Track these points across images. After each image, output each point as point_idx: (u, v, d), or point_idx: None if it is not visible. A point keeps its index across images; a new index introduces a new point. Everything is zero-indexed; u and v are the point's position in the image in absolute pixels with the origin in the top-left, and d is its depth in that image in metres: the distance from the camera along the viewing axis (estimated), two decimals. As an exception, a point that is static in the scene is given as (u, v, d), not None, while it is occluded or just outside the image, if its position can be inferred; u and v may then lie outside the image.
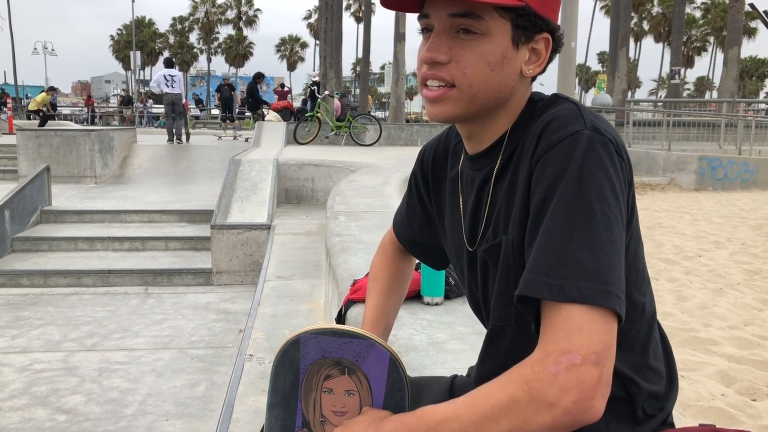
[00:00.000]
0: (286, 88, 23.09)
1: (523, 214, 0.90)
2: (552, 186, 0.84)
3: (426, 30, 0.97)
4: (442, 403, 0.87)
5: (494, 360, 1.06)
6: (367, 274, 2.54)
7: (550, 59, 0.99)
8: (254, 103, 16.13)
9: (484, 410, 0.80)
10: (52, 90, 21.66)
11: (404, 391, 1.00)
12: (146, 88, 62.67)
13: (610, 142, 0.86)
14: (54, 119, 22.61)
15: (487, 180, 1.01)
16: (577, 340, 0.76)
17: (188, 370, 4.23)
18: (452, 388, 1.23)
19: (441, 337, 2.02)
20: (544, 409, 0.76)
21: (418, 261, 1.40)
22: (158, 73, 13.68)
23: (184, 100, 14.09)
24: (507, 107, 0.99)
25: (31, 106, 20.08)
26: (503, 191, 0.97)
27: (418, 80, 1.00)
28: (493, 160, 1.01)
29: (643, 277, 0.98)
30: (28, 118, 20.15)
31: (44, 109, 19.95)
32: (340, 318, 2.33)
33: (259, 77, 16.18)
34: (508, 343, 1.02)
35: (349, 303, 2.36)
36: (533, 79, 1.01)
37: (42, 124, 18.73)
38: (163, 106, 15.24)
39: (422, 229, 1.27)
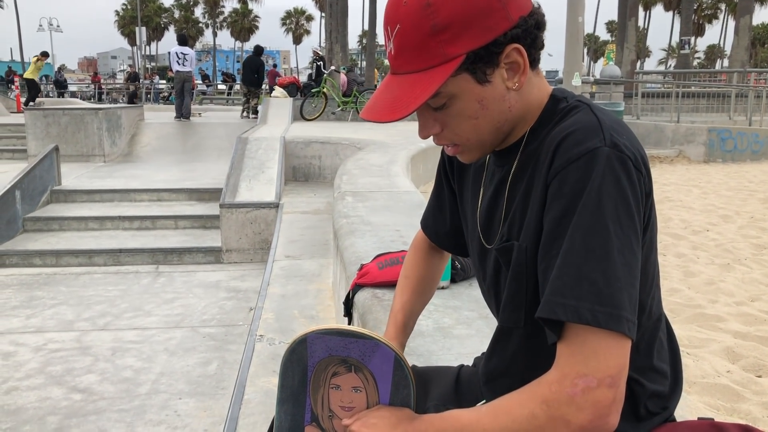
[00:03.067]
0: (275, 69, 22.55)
1: (537, 224, 0.92)
2: (569, 205, 0.85)
3: None
4: (467, 409, 0.95)
5: (501, 358, 1.09)
6: (375, 258, 2.58)
7: (537, 46, 0.94)
8: (259, 79, 15.25)
9: (507, 423, 0.86)
10: (45, 56, 18.49)
11: (409, 388, 1.04)
12: (152, 64, 62.44)
13: (629, 159, 0.86)
14: (41, 94, 20.02)
15: (505, 179, 1.02)
16: (593, 365, 0.81)
17: (200, 348, 4.29)
18: (458, 378, 1.25)
19: (447, 321, 2.05)
20: (562, 426, 0.82)
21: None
22: (171, 50, 13.49)
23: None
24: (523, 118, 0.99)
25: (30, 73, 17.56)
26: (519, 194, 0.98)
27: None
28: (512, 158, 1.02)
29: (652, 281, 0.99)
30: (29, 92, 17.46)
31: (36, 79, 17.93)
32: (348, 302, 2.36)
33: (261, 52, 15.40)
34: (515, 344, 1.05)
35: (357, 287, 2.39)
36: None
37: (31, 98, 17.15)
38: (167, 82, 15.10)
39: (453, 215, 1.26)
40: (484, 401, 1.14)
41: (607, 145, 0.86)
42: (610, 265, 0.82)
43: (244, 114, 15.27)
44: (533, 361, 0.98)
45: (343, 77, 14.52)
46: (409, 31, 0.89)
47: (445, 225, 1.28)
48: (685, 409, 1.45)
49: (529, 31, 0.92)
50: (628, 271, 0.83)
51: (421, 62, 0.90)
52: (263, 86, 15.98)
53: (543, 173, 0.91)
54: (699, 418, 0.98)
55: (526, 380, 0.89)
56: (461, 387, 1.23)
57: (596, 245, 0.83)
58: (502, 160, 1.04)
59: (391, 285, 2.31)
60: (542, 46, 0.96)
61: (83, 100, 28.50)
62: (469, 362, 1.32)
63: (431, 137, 1.01)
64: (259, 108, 13.98)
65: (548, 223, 0.88)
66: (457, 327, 2.00)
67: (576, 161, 0.86)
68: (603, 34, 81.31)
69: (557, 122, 0.95)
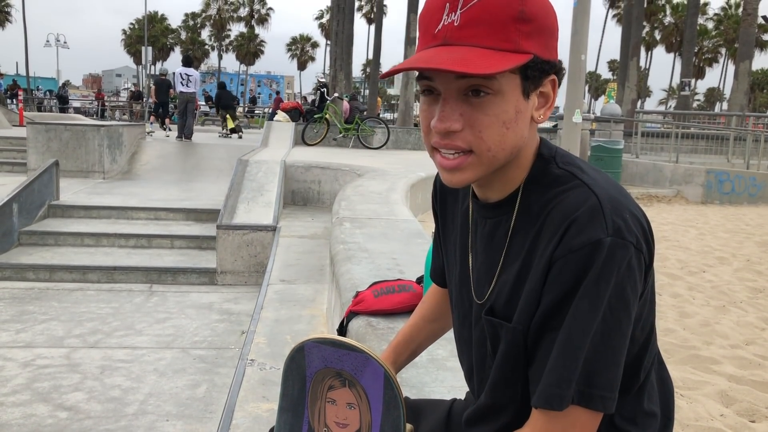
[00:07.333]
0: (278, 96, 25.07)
1: (534, 305, 0.92)
2: (566, 295, 0.87)
3: (428, 92, 0.92)
4: None
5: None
6: (371, 285, 2.56)
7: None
8: (235, 104, 17.23)
9: None
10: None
11: (399, 410, 1.02)
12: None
13: (631, 244, 0.86)
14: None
15: (502, 235, 0.99)
16: None
17: (190, 370, 4.25)
18: (450, 412, 1.24)
19: (441, 353, 2.03)
20: None
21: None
22: (175, 71, 13.65)
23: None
24: (518, 158, 0.96)
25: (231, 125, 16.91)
26: (517, 260, 0.96)
27: (425, 141, 0.96)
28: (505, 213, 0.98)
29: (648, 337, 1.00)
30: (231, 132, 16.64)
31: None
32: (342, 329, 2.35)
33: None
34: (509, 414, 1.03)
35: (351, 315, 2.37)
36: None
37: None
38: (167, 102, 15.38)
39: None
40: None
41: (610, 234, 0.85)
42: (593, 350, 0.86)
43: (223, 131, 16.84)
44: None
45: (345, 104, 14.64)
46: (493, 6, 0.85)
47: (439, 260, 1.28)
48: (679, 453, 1.43)
49: (562, 75, 0.95)
50: (612, 353, 0.87)
51: (494, 41, 0.86)
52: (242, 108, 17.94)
53: (546, 255, 0.89)
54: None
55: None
56: (452, 422, 1.21)
57: (584, 334, 0.86)
58: (490, 212, 1.01)
59: (386, 313, 2.29)
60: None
61: (86, 116, 28.64)
62: (462, 395, 1.30)
63: (432, 141, 0.93)
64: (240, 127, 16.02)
65: (545, 303, 0.90)
66: (451, 359, 1.98)
67: (578, 251, 0.86)
68: (605, 73, 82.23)
69: (550, 185, 0.94)
